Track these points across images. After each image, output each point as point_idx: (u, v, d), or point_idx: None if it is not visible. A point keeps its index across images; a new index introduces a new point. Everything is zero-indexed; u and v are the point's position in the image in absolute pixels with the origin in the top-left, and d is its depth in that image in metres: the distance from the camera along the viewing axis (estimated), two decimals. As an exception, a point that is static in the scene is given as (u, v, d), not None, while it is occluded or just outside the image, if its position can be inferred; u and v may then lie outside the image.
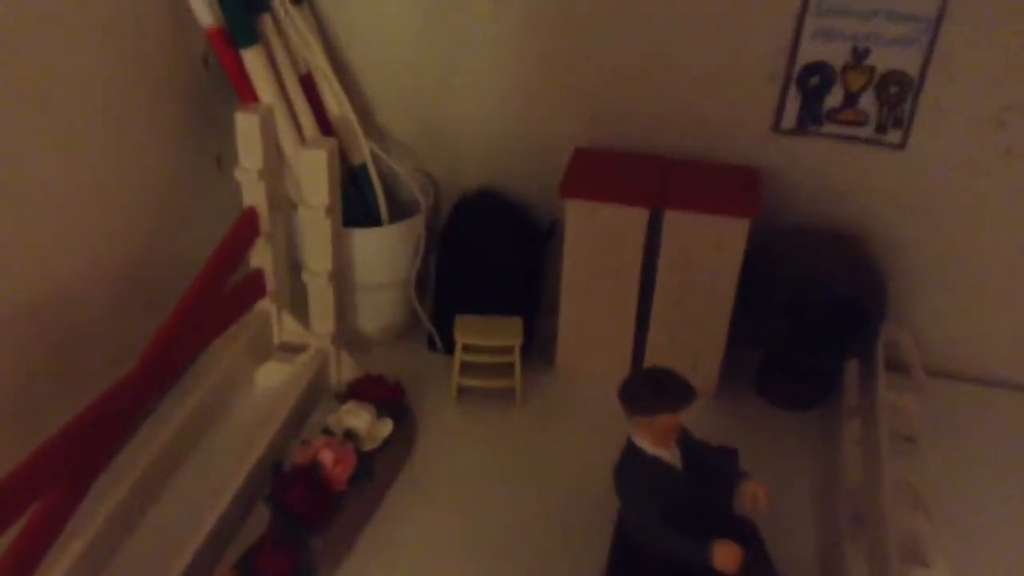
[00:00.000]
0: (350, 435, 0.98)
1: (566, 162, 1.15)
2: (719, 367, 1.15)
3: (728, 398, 1.16)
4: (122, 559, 0.91)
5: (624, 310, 1.15)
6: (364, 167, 1.20)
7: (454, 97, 1.22)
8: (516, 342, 1.12)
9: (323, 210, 1.07)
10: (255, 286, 1.14)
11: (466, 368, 1.14)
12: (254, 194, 1.08)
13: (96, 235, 1.03)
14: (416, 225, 1.19)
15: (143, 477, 0.94)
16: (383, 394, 1.04)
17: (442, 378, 1.17)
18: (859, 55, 1.05)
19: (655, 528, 0.81)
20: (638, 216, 1.08)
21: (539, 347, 1.22)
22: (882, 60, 1.05)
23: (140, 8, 1.03)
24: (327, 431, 0.98)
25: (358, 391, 1.04)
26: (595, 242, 1.11)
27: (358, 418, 0.99)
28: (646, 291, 1.13)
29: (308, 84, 1.16)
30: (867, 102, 1.08)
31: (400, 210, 1.23)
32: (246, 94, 1.10)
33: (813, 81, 1.08)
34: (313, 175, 1.07)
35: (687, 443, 0.86)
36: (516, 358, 1.13)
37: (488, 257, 1.18)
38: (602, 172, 1.14)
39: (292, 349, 1.17)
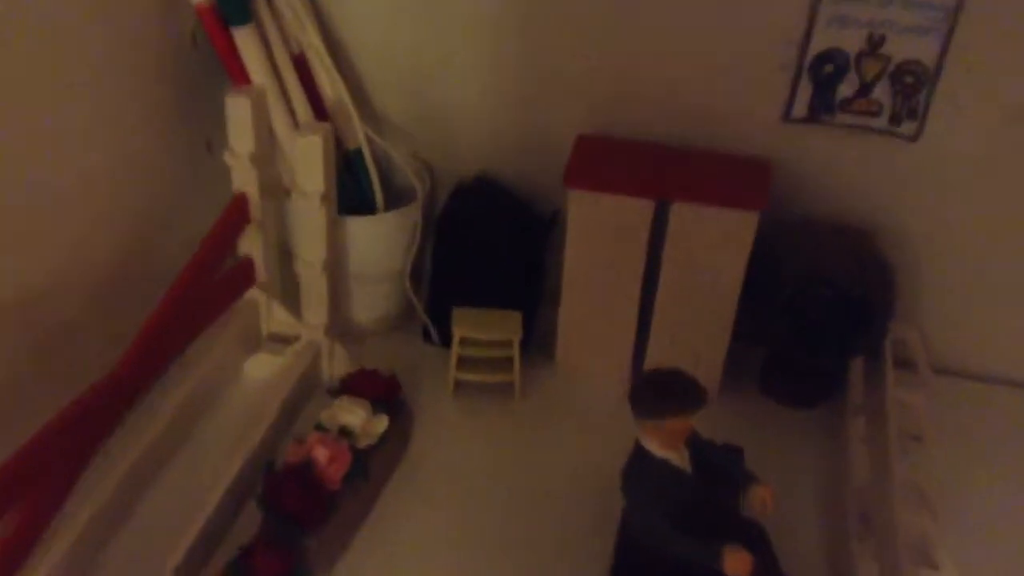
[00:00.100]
0: (345, 432, 0.96)
1: (567, 149, 1.12)
2: (722, 364, 1.13)
3: (731, 395, 1.14)
4: (109, 558, 0.89)
5: (626, 305, 1.12)
6: (359, 152, 1.17)
7: (452, 79, 1.19)
8: (515, 336, 1.10)
9: (318, 198, 1.05)
10: (244, 275, 1.12)
11: (463, 362, 1.12)
12: (245, 180, 1.06)
13: (80, 224, 1.00)
14: (412, 213, 1.17)
15: (130, 473, 0.93)
16: (378, 389, 1.02)
17: (438, 371, 1.15)
18: (874, 43, 1.03)
19: (663, 531, 0.80)
20: (644, 208, 1.06)
21: (538, 340, 1.20)
22: (898, 49, 1.03)
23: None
24: (321, 427, 0.96)
25: (352, 386, 1.02)
26: (598, 234, 1.08)
27: (353, 414, 0.97)
28: (649, 285, 1.11)
29: (301, 65, 1.13)
30: (881, 92, 1.06)
31: (395, 197, 1.21)
32: (237, 75, 1.07)
33: (827, 69, 1.05)
34: (308, 162, 1.04)
35: (695, 443, 0.86)
36: (515, 352, 1.11)
37: (486, 247, 1.16)
38: (605, 161, 1.11)
39: (282, 340, 1.15)
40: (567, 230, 1.10)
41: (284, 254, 1.17)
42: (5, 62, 0.85)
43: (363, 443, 0.96)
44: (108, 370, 0.89)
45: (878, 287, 1.09)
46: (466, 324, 1.10)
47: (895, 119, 1.07)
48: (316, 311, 1.14)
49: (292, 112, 1.10)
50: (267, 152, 1.07)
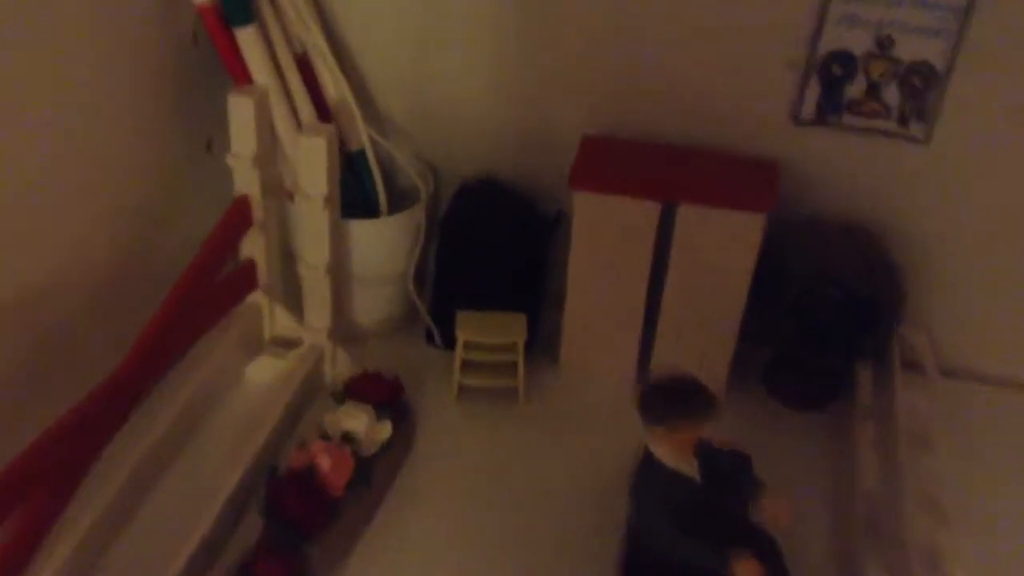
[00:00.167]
0: (348, 438, 0.95)
1: (571, 149, 1.11)
2: (728, 367, 1.12)
3: (737, 397, 1.13)
4: (111, 563, 0.89)
5: (631, 306, 1.12)
6: (362, 153, 1.16)
7: (455, 78, 1.18)
8: (519, 339, 1.09)
9: (321, 200, 1.04)
10: (247, 278, 1.11)
11: (467, 366, 1.11)
12: (247, 181, 1.05)
13: (80, 224, 0.99)
14: (416, 215, 1.16)
15: (132, 477, 0.92)
16: (382, 392, 1.02)
17: (441, 374, 1.14)
18: (883, 44, 1.02)
19: (669, 537, 0.80)
20: (650, 210, 1.05)
21: (543, 342, 1.19)
22: (907, 50, 1.02)
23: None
24: (324, 436, 0.95)
25: (355, 390, 1.01)
26: (604, 236, 1.08)
27: (356, 420, 0.96)
28: (654, 287, 1.10)
29: (304, 65, 1.12)
30: (890, 94, 1.05)
31: (398, 197, 1.20)
32: (239, 75, 1.06)
33: (835, 70, 1.04)
34: (311, 164, 1.03)
35: (703, 450, 0.84)
36: (519, 356, 1.10)
37: (489, 248, 1.15)
38: (611, 162, 1.10)
39: (284, 343, 1.14)
40: (572, 232, 1.09)
41: (286, 256, 1.16)
42: (6, 62, 0.84)
43: (366, 450, 0.95)
44: (109, 370, 0.88)
45: (886, 288, 1.08)
46: (470, 328, 1.09)
47: (903, 121, 1.06)
48: (319, 314, 1.13)
49: (295, 113, 1.10)
50: (270, 153, 1.06)
